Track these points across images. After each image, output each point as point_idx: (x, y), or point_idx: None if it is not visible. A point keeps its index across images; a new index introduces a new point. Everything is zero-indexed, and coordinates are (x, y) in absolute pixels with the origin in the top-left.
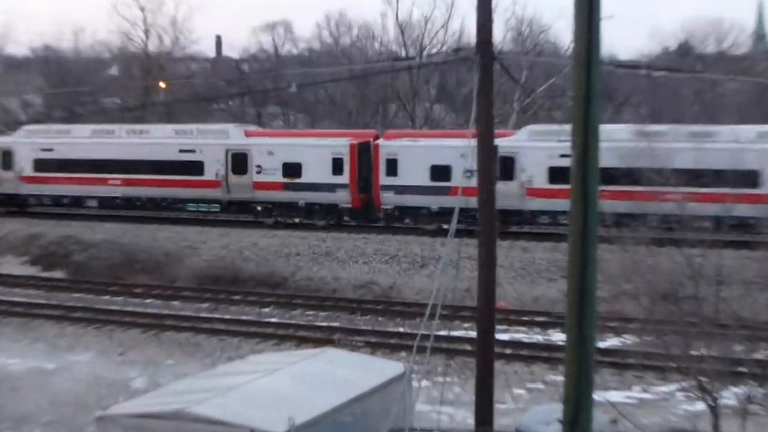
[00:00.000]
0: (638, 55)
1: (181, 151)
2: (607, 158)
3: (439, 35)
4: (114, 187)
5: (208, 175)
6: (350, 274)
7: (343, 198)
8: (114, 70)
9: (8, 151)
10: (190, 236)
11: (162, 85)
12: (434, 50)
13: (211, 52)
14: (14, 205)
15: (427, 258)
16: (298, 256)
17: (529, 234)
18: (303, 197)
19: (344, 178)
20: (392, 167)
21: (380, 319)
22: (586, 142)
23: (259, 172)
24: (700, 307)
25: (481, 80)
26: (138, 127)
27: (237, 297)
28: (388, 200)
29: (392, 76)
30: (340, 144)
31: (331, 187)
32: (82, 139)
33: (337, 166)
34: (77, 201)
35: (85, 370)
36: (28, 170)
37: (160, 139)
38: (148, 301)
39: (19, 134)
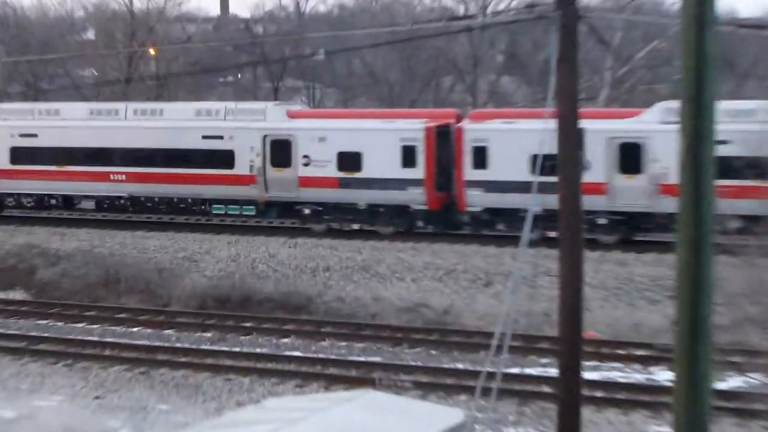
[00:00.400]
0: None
1: (206, 137)
2: (726, 145)
3: None
4: (118, 183)
5: (240, 167)
6: (394, 294)
7: (416, 197)
8: (90, 34)
9: None
10: (189, 245)
11: (151, 52)
12: (501, 6)
13: (214, 10)
14: None
15: (494, 273)
16: (327, 271)
17: (625, 243)
18: (364, 197)
19: (418, 172)
20: (481, 157)
21: (433, 352)
22: (697, 124)
23: (306, 165)
24: None
25: (563, 45)
26: (149, 105)
27: (248, 324)
28: (476, 200)
29: (447, 40)
30: (413, 128)
31: (400, 184)
32: (76, 122)
33: (408, 157)
34: (68, 201)
35: (54, 419)
36: (3, 162)
37: (177, 122)
38: (134, 329)
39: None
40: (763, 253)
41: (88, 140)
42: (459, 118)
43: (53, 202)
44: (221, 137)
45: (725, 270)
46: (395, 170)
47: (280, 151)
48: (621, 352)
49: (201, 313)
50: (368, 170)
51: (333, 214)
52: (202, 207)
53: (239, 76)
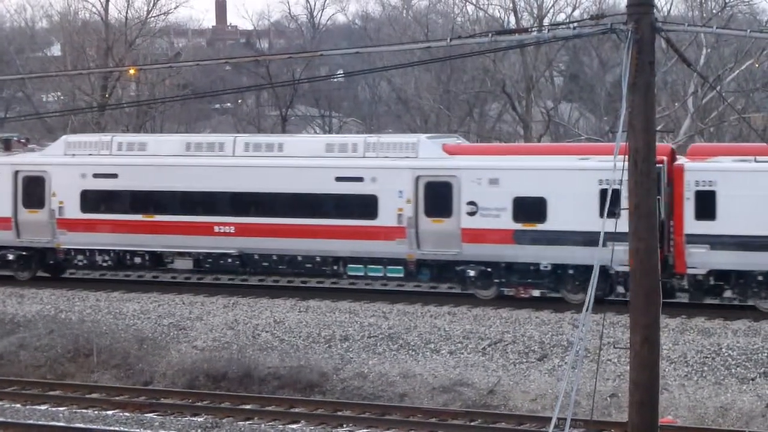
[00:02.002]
0: None
1: (341, 179)
2: None
3: None
4: (224, 237)
5: (385, 217)
6: (428, 369)
7: (618, 255)
8: (55, 49)
9: (37, 177)
10: (176, 309)
11: (131, 72)
12: (561, 17)
13: (208, 21)
14: (43, 266)
15: (550, 345)
16: (346, 341)
17: (710, 307)
18: (548, 254)
19: (622, 223)
20: (706, 205)
21: None
22: None
23: (472, 213)
24: None
25: (636, 65)
26: (264, 138)
27: (249, 406)
28: (699, 260)
29: (495, 58)
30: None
31: (597, 238)
32: (168, 158)
33: (608, 203)
34: (156, 260)
35: None
36: (71, 209)
37: (303, 159)
38: (109, 413)
39: (55, 149)
40: None
41: (185, 182)
42: (673, 155)
43: (137, 260)
44: (360, 179)
45: None
46: (591, 221)
47: (438, 197)
48: None
49: (190, 393)
50: (554, 221)
51: (506, 276)
52: (335, 267)
53: (239, 101)
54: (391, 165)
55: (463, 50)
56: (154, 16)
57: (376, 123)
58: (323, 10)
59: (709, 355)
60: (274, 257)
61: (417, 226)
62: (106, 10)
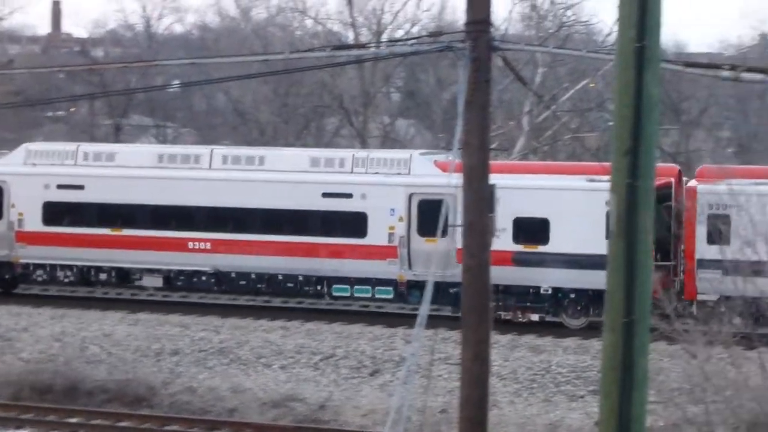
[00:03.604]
0: (720, 47)
1: (327, 195)
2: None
3: (407, 10)
4: (199, 254)
5: (375, 236)
6: (259, 384)
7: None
8: None
9: None
10: (3, 320)
11: None
12: (399, 34)
13: (43, 28)
14: (1, 280)
15: (382, 360)
16: (176, 355)
17: (540, 325)
18: (549, 278)
19: None
20: (719, 229)
21: None
22: (633, 180)
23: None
24: None
25: (473, 83)
26: (244, 151)
27: (74, 420)
28: (710, 285)
29: (333, 73)
30: None
31: (603, 261)
32: (139, 170)
33: None
34: (123, 276)
35: None
36: (32, 222)
37: (287, 174)
38: None
39: (14, 158)
40: (708, 341)
41: (157, 195)
42: (679, 175)
43: (102, 276)
44: (349, 195)
45: (663, 360)
46: (596, 243)
47: (431, 215)
48: None
49: (14, 406)
50: (557, 243)
51: (504, 300)
52: (318, 287)
53: (72, 110)
54: (382, 181)
55: (302, 64)
56: None
57: (211, 134)
58: (160, 19)
59: (539, 372)
60: (253, 276)
61: (409, 246)
62: None
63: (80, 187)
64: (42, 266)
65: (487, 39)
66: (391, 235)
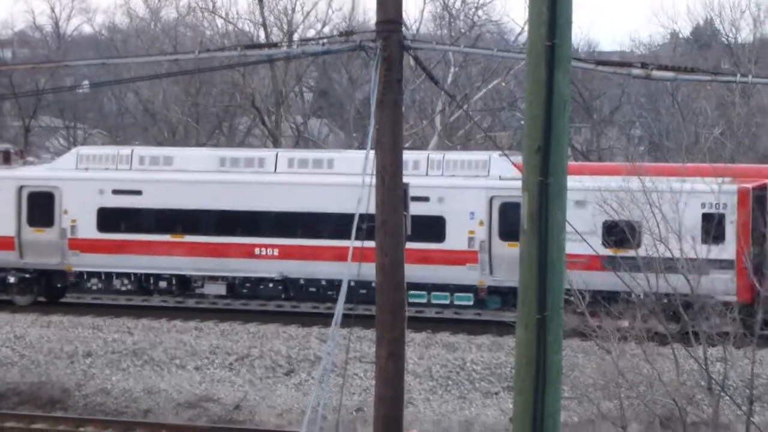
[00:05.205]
0: (632, 46)
1: None
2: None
3: (318, 10)
4: (265, 260)
5: (453, 241)
6: (173, 385)
7: (722, 285)
8: None
9: (46, 193)
10: None
11: None
12: (310, 33)
13: None
14: (49, 289)
15: (297, 360)
16: (89, 356)
17: (455, 322)
18: (642, 283)
19: (726, 250)
20: None
21: None
22: (545, 177)
23: None
24: None
25: (384, 82)
26: (311, 154)
27: None
28: None
29: (244, 73)
30: (722, 189)
31: (699, 266)
32: (200, 175)
33: (711, 229)
34: (184, 284)
35: None
36: (86, 228)
37: (358, 177)
38: None
39: (65, 163)
40: (622, 337)
41: (220, 200)
42: None
43: (162, 284)
44: (426, 199)
45: (578, 356)
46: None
47: (514, 219)
48: None
49: None
50: (649, 246)
51: (591, 305)
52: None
53: None
54: (461, 184)
55: (213, 63)
56: None
57: (122, 135)
58: (69, 20)
59: (453, 370)
60: (323, 282)
61: (490, 251)
62: None
63: (138, 192)
64: (97, 274)
65: (398, 38)
66: (471, 239)
